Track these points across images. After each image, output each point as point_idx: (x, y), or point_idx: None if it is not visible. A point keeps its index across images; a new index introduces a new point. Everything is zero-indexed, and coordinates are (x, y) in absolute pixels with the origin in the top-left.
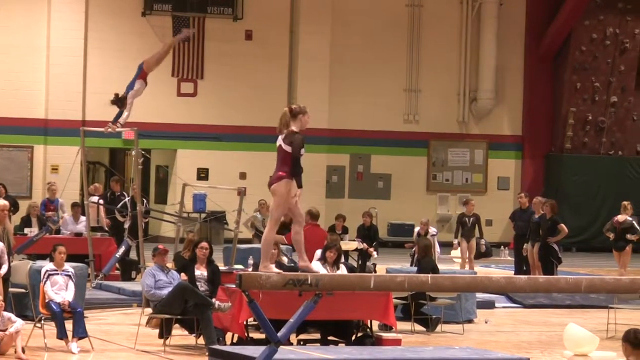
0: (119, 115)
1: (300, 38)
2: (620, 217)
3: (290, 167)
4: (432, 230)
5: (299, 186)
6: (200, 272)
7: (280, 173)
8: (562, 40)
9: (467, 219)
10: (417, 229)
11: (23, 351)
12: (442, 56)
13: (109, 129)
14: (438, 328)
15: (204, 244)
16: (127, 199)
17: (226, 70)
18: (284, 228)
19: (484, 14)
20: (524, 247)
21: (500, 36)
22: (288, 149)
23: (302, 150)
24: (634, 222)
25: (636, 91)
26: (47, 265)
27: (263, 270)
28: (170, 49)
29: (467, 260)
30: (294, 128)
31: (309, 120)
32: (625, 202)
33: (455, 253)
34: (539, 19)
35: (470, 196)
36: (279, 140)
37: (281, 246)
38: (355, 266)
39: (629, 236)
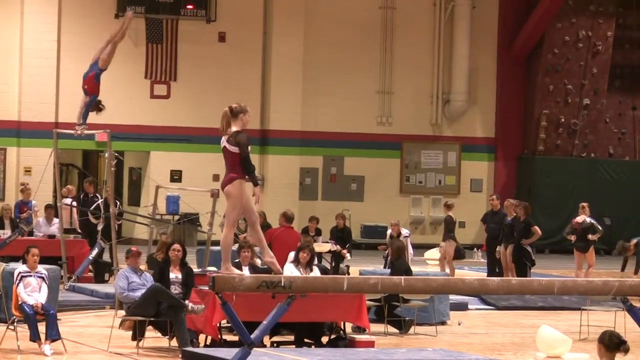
0: (85, 116)
1: (273, 40)
2: (579, 218)
3: (241, 168)
4: (405, 231)
5: (255, 184)
6: (174, 274)
7: (232, 174)
8: (535, 43)
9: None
10: (389, 231)
11: None
12: (415, 58)
13: (79, 132)
14: (411, 330)
15: (177, 246)
16: (100, 201)
17: (199, 73)
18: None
19: (456, 17)
20: (497, 249)
21: (473, 38)
22: (235, 149)
23: (249, 148)
24: (593, 221)
25: (608, 93)
26: (20, 267)
27: (224, 272)
28: (120, 35)
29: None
30: (235, 127)
31: (249, 119)
32: (583, 204)
33: (430, 255)
34: (512, 21)
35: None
36: (223, 142)
37: (255, 248)
38: (329, 268)
39: (590, 236)
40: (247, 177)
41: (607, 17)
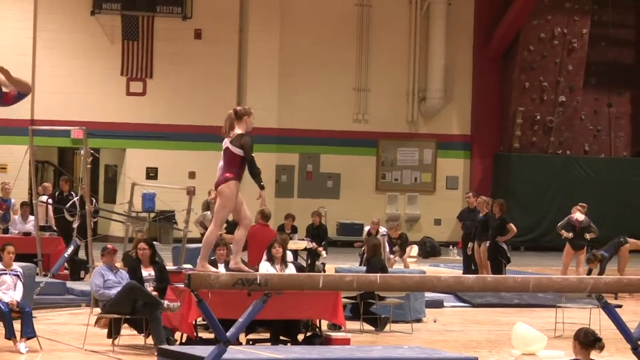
0: None
1: (249, 37)
2: (579, 216)
3: (240, 169)
4: (382, 230)
5: (261, 188)
6: (147, 272)
7: (227, 174)
8: (511, 40)
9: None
10: (367, 228)
11: None
12: (391, 55)
13: None
14: (387, 327)
15: (142, 244)
16: (76, 199)
17: (175, 69)
18: (234, 227)
19: (432, 14)
20: (469, 245)
21: (449, 36)
22: (238, 151)
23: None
24: (590, 222)
25: (584, 91)
26: None
27: (200, 269)
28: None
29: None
30: (239, 130)
31: (253, 122)
32: (582, 203)
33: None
34: (488, 18)
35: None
36: (226, 143)
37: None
38: (305, 265)
39: (587, 235)
40: (254, 180)
41: (583, 14)
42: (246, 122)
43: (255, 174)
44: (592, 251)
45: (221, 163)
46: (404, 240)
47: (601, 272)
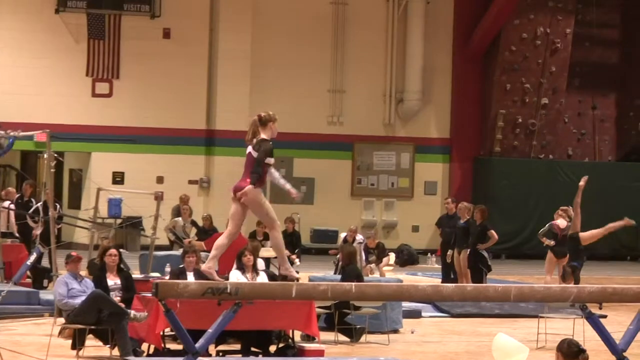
0: None
1: (220, 36)
2: (561, 223)
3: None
4: (359, 237)
5: (251, 183)
6: (113, 280)
7: (247, 180)
8: (492, 40)
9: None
10: (342, 235)
11: None
12: (368, 56)
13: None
14: (362, 338)
15: (114, 251)
16: (39, 204)
17: (143, 70)
18: (204, 234)
19: (410, 12)
20: (448, 253)
21: (428, 35)
22: (268, 161)
23: (271, 159)
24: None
25: (567, 93)
26: None
27: (283, 271)
28: None
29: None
30: (264, 136)
31: (277, 128)
32: (563, 207)
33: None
34: (468, 17)
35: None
36: (249, 148)
37: (200, 253)
38: (277, 274)
39: None
40: (251, 175)
41: (566, 14)
42: (271, 128)
43: (255, 172)
44: (563, 267)
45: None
46: (381, 249)
47: (577, 282)
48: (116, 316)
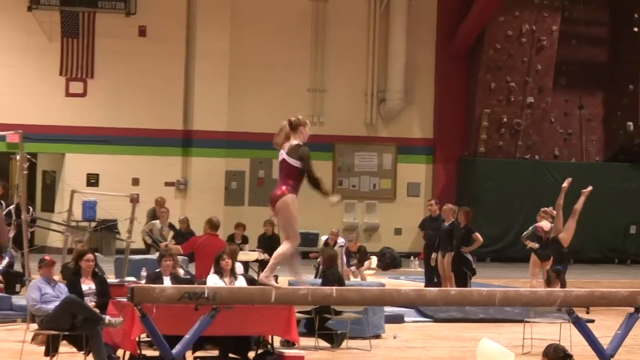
0: None
1: (197, 35)
2: (544, 225)
3: (297, 182)
4: (341, 241)
5: (327, 194)
6: (87, 285)
7: (284, 188)
8: (476, 37)
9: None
10: (323, 238)
11: None
12: (349, 54)
13: None
14: (343, 344)
15: (90, 256)
16: (11, 207)
17: (118, 69)
18: (181, 237)
19: (392, 9)
20: (432, 256)
21: (410, 33)
22: (296, 163)
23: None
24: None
25: (554, 91)
26: None
27: (264, 280)
28: None
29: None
30: (296, 141)
31: (309, 132)
32: (545, 208)
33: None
34: (451, 14)
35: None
36: (282, 154)
37: (177, 257)
38: (256, 278)
39: None
40: (317, 190)
41: (553, 11)
42: (302, 132)
43: (316, 185)
44: (547, 271)
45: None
46: (363, 252)
47: (562, 286)
48: (91, 322)
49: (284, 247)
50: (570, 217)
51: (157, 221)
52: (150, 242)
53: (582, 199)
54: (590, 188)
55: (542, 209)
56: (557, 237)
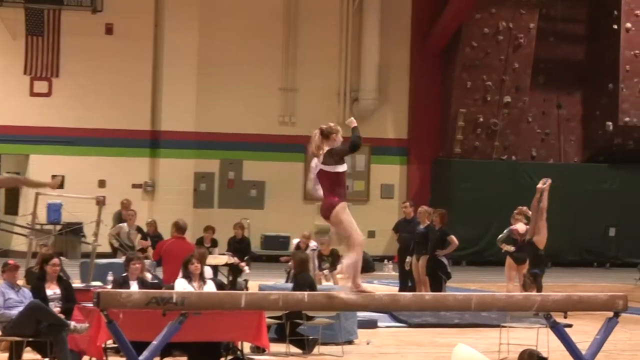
0: None
1: (165, 32)
2: (520, 227)
3: (342, 188)
4: (313, 244)
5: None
6: (53, 290)
7: (332, 198)
8: (451, 35)
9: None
10: (294, 242)
11: None
12: (321, 52)
13: None
14: (315, 350)
15: (56, 260)
16: None
17: (84, 68)
18: (144, 237)
19: (366, 6)
20: (407, 260)
21: (384, 30)
22: (331, 169)
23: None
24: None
25: (531, 91)
26: None
27: (355, 289)
28: None
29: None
30: (327, 147)
31: (342, 140)
32: (520, 207)
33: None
34: (426, 11)
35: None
36: (318, 165)
37: (145, 262)
38: (225, 282)
39: None
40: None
41: (530, 8)
42: (334, 140)
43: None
44: (523, 276)
45: (312, 175)
46: (336, 256)
47: (539, 290)
48: (55, 327)
49: (351, 258)
50: (538, 218)
51: (125, 224)
52: (118, 245)
53: (545, 196)
54: (549, 182)
55: (516, 210)
56: (532, 240)
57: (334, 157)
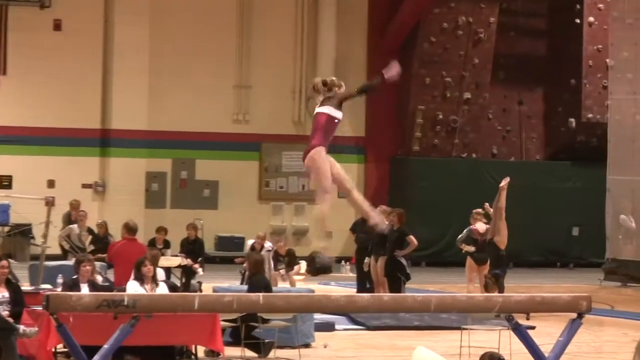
0: None
1: (115, 28)
2: (480, 227)
3: (327, 133)
4: (268, 245)
5: (378, 82)
6: (1, 293)
7: (311, 143)
8: (409, 30)
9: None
10: (249, 243)
11: None
12: (276, 48)
13: None
14: (271, 353)
15: (4, 262)
16: None
17: (32, 65)
18: (100, 242)
19: (321, 1)
20: (365, 261)
21: (340, 25)
22: (324, 110)
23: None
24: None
25: (492, 87)
26: None
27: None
28: None
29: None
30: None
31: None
32: (479, 210)
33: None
34: (384, 6)
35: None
36: (317, 109)
37: (96, 264)
38: (179, 285)
39: None
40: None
41: (490, 2)
42: (337, 93)
43: (363, 90)
44: (485, 276)
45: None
46: (292, 256)
47: (501, 291)
48: (4, 332)
49: (316, 212)
50: (497, 218)
51: (75, 225)
52: (68, 247)
53: (503, 195)
54: (507, 180)
55: (475, 211)
56: (493, 240)
57: (332, 100)
